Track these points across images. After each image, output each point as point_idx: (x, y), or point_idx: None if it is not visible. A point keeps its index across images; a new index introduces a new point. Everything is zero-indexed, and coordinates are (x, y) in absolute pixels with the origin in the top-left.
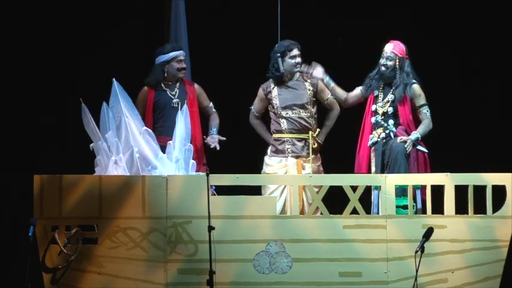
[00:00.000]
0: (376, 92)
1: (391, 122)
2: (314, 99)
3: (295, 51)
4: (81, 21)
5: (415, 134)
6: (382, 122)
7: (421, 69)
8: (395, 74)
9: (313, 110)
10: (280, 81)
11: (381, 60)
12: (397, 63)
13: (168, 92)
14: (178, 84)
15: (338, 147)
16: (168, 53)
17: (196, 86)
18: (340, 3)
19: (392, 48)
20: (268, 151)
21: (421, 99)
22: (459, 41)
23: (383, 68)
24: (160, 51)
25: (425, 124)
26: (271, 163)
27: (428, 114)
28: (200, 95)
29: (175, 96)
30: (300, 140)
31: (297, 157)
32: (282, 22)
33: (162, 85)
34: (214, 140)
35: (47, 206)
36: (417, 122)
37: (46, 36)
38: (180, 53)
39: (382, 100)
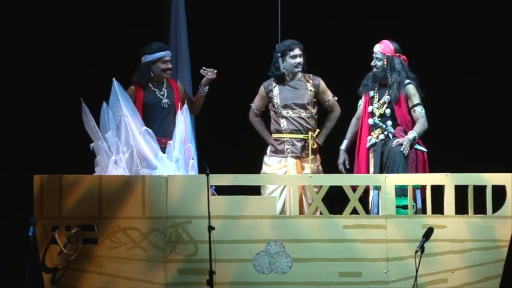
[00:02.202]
0: (371, 93)
1: (389, 123)
2: (315, 100)
3: (297, 51)
4: (81, 21)
5: (412, 133)
6: (381, 124)
7: (421, 69)
8: (386, 73)
9: (314, 111)
10: (282, 81)
11: (372, 61)
12: (385, 62)
13: (157, 92)
14: (165, 84)
15: (337, 148)
16: (154, 53)
17: (178, 82)
18: (341, 3)
19: (380, 48)
20: (268, 151)
21: (416, 99)
22: (459, 41)
23: (374, 69)
24: (147, 50)
25: (421, 123)
26: (271, 163)
27: (423, 113)
28: (181, 90)
29: (165, 97)
30: (299, 140)
31: (296, 157)
32: (282, 22)
33: (150, 85)
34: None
35: (47, 206)
36: (414, 122)
37: (46, 36)
38: (166, 54)
39: (378, 101)
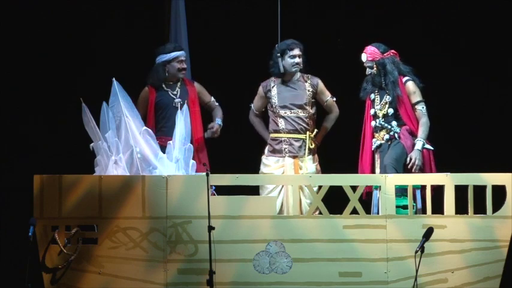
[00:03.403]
0: (372, 96)
1: (394, 123)
2: (313, 100)
3: (296, 51)
4: (82, 21)
5: (420, 142)
6: (386, 124)
7: (421, 69)
8: (381, 77)
9: (312, 111)
10: (281, 80)
11: (365, 71)
12: (375, 68)
13: (169, 92)
14: (179, 84)
15: (337, 148)
16: (170, 53)
17: (196, 84)
18: (341, 4)
19: (367, 57)
20: (266, 150)
21: (416, 96)
22: (459, 41)
23: (370, 77)
24: (162, 50)
25: (424, 124)
26: (269, 163)
27: (424, 110)
28: (201, 92)
29: (177, 96)
30: (297, 140)
31: (294, 157)
32: (282, 22)
33: (163, 85)
34: (213, 130)
35: (47, 206)
36: (418, 119)
37: (46, 36)
38: (181, 53)
39: (380, 103)
